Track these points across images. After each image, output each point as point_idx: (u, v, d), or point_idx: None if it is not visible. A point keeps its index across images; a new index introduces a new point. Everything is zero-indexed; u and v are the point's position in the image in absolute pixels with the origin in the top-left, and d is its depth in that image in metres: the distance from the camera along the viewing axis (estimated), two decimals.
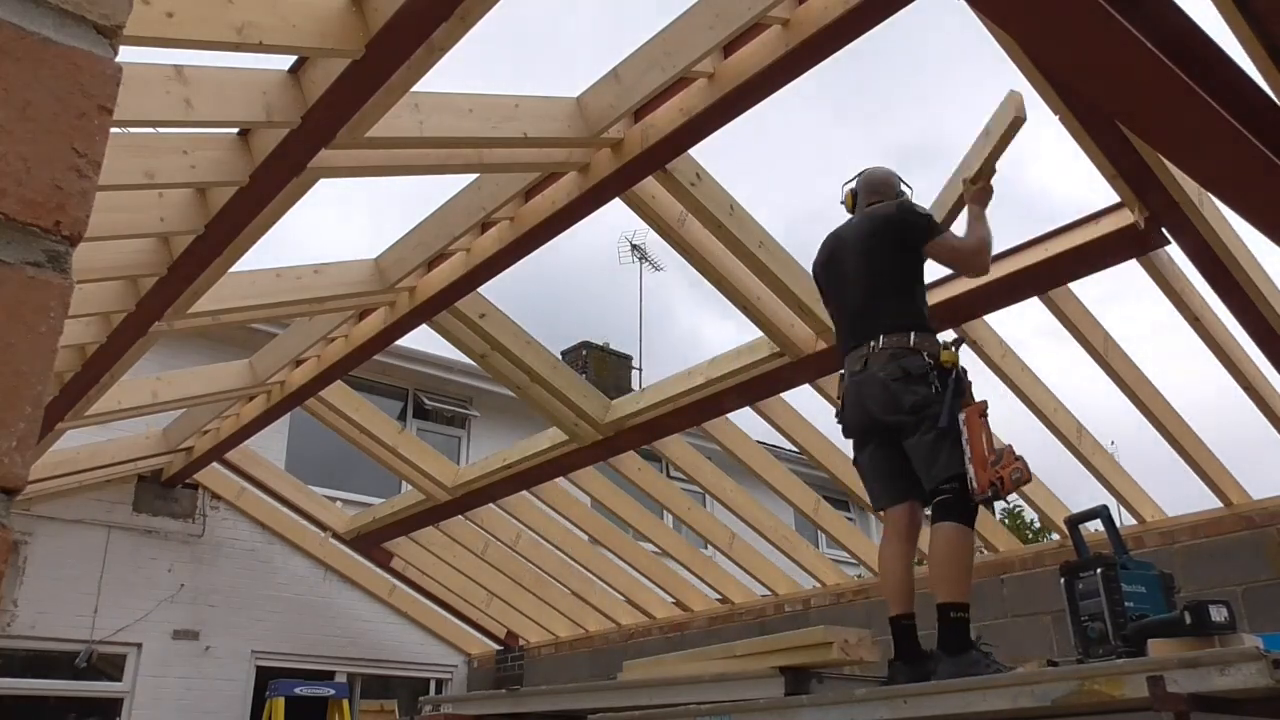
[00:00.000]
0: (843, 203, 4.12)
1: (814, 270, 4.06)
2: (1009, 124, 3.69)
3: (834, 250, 3.93)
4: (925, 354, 3.50)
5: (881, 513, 3.70)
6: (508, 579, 8.52)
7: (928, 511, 3.52)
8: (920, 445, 3.42)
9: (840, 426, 3.81)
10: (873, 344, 3.57)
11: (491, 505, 7.56)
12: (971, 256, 3.71)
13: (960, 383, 3.47)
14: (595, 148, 4.13)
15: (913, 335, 3.54)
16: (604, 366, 14.70)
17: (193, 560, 8.47)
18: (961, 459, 3.33)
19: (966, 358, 4.81)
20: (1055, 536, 6.31)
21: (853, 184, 4.11)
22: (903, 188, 4.04)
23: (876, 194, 3.98)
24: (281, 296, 4.99)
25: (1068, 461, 5.46)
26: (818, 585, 7.27)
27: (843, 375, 3.77)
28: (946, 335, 3.87)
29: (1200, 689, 2.37)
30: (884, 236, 3.75)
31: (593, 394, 6.18)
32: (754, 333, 5.24)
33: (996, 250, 4.22)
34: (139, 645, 8.01)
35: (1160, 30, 2.51)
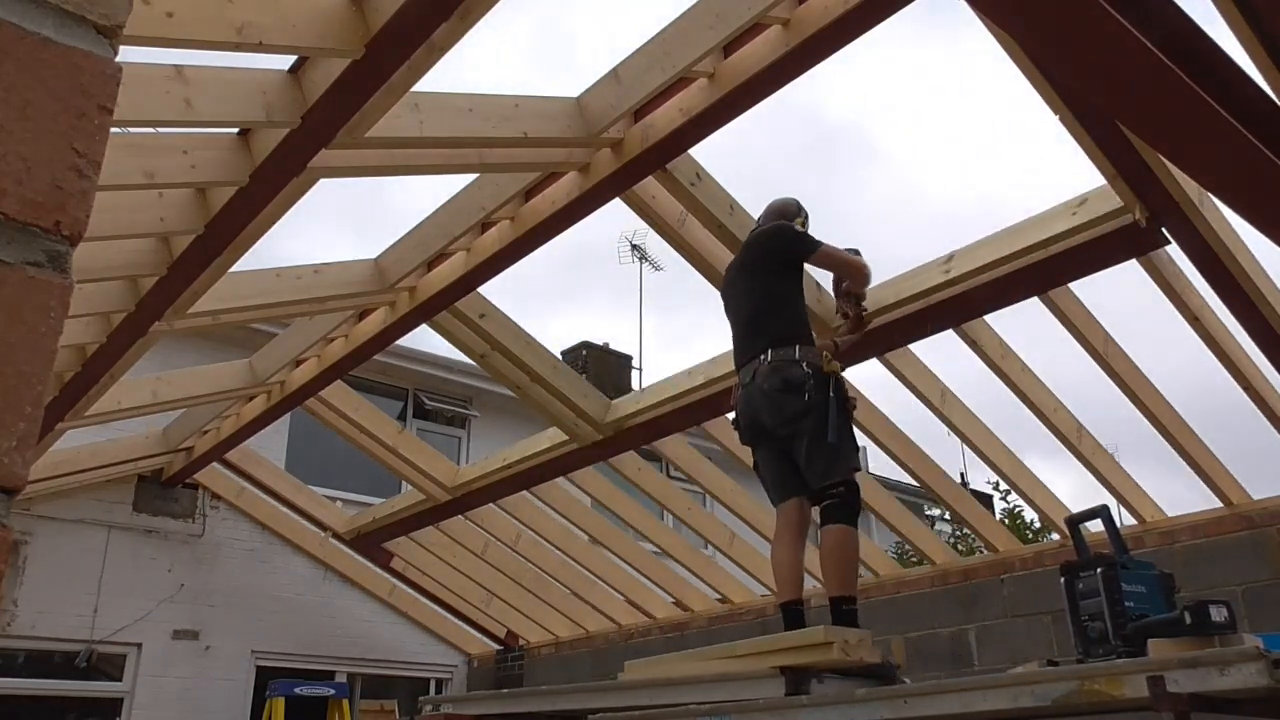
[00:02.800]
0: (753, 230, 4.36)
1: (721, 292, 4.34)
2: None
3: (730, 271, 4.25)
4: (805, 364, 3.75)
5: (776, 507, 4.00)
6: (508, 579, 8.52)
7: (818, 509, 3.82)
8: (801, 450, 3.76)
9: (736, 433, 4.09)
10: (762, 357, 3.86)
11: (491, 505, 7.55)
12: (853, 270, 4.13)
13: (841, 389, 3.76)
14: (595, 148, 4.13)
15: (796, 349, 3.80)
16: (604, 366, 14.69)
17: (193, 560, 8.47)
18: (840, 462, 3.68)
19: (966, 358, 4.87)
20: (1055, 536, 6.31)
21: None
22: (802, 212, 4.27)
23: (772, 219, 4.24)
24: (281, 296, 5.00)
25: (1068, 461, 5.47)
26: (817, 585, 7.26)
27: (736, 386, 4.05)
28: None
29: (1200, 689, 2.37)
30: (762, 255, 4.05)
31: (593, 394, 6.18)
32: None
33: (997, 251, 4.26)
34: (139, 645, 8.01)
35: (1160, 30, 2.51)
